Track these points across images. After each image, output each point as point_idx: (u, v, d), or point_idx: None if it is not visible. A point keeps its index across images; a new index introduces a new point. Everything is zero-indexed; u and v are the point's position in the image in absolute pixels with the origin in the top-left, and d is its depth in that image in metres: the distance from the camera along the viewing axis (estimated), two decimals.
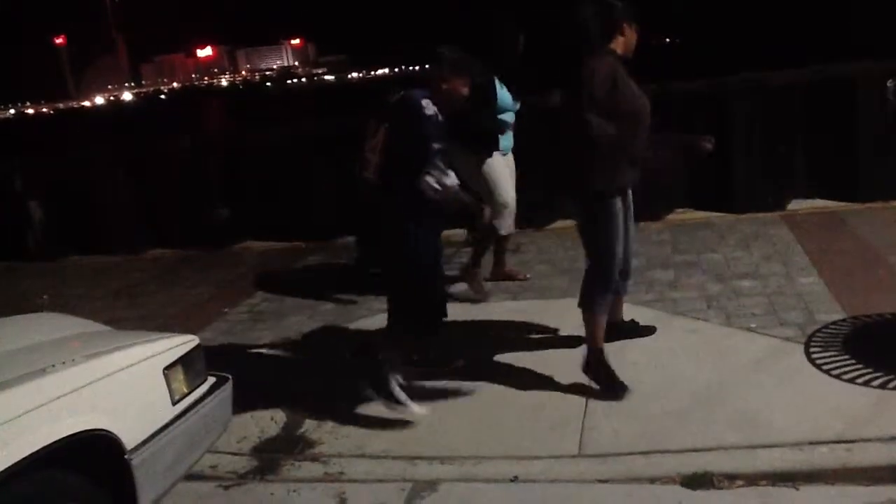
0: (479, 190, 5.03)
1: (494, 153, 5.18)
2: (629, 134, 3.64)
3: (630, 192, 3.98)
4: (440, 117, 3.60)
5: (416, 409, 3.77)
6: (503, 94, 5.10)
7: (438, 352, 4.30)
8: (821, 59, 8.99)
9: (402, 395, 3.77)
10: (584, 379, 3.87)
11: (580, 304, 3.91)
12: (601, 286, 3.85)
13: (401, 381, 3.82)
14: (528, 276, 5.70)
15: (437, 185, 3.55)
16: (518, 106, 5.22)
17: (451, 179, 3.61)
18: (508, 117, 5.16)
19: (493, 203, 5.03)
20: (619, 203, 3.79)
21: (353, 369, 4.12)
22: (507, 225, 5.28)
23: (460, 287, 5.48)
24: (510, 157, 5.39)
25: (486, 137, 5.12)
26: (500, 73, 5.10)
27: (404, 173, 3.60)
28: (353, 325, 5.16)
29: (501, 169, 5.22)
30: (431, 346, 4.21)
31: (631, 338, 4.30)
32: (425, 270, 3.70)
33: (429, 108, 3.58)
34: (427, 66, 3.78)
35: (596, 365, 3.84)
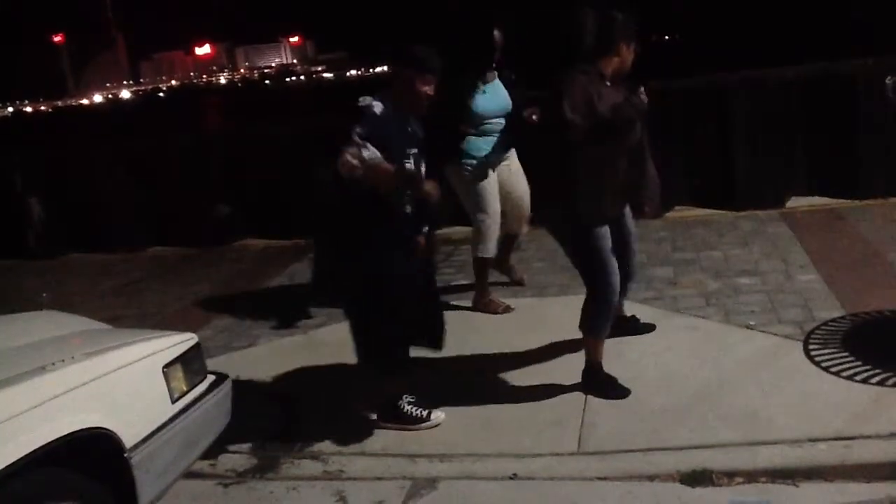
0: (467, 208, 4.90)
1: (484, 168, 4.80)
2: (612, 154, 3.55)
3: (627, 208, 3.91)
4: (389, 114, 3.38)
5: (435, 418, 3.70)
6: (483, 101, 4.72)
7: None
8: (821, 56, 9.00)
9: (415, 412, 3.70)
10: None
11: (581, 327, 3.83)
12: (601, 312, 3.74)
13: (411, 398, 3.74)
14: (524, 278, 5.55)
15: (353, 161, 3.21)
16: (507, 111, 4.79)
17: (370, 153, 3.24)
18: (493, 126, 4.78)
19: (475, 222, 4.89)
20: (606, 230, 3.68)
21: (353, 368, 4.10)
22: (490, 247, 4.92)
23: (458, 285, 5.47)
24: (510, 166, 4.98)
25: (450, 145, 4.70)
26: (480, 77, 4.72)
27: None
28: None
29: (486, 185, 4.81)
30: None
31: (631, 335, 4.30)
32: (388, 286, 3.45)
33: (375, 106, 3.39)
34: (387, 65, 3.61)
35: (596, 378, 3.81)
